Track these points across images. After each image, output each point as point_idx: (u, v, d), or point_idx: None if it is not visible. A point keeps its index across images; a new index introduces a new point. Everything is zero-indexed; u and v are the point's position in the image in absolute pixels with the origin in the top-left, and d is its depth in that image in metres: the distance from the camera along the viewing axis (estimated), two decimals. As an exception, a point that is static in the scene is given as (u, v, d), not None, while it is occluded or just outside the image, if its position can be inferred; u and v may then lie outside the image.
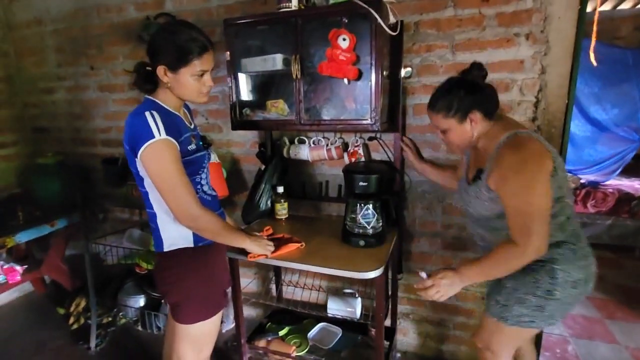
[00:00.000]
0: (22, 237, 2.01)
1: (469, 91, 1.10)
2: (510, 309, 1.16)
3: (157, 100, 1.13)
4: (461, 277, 1.13)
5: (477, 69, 1.12)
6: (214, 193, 1.30)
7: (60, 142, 2.58)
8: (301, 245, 1.46)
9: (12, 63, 2.55)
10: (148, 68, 1.13)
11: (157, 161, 1.04)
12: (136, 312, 2.18)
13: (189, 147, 1.14)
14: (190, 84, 1.11)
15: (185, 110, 1.26)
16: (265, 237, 1.45)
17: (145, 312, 2.10)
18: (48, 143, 2.62)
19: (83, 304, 2.25)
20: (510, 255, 1.05)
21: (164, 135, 1.03)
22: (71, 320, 2.22)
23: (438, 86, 1.18)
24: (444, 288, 1.14)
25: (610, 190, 3.27)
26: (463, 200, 1.28)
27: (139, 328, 2.16)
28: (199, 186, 1.20)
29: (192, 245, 1.19)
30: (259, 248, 1.34)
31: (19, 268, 2.28)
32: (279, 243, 1.45)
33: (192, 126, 1.25)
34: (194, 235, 1.18)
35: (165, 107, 1.13)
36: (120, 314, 2.22)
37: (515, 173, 1.01)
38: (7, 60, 2.53)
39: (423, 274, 1.18)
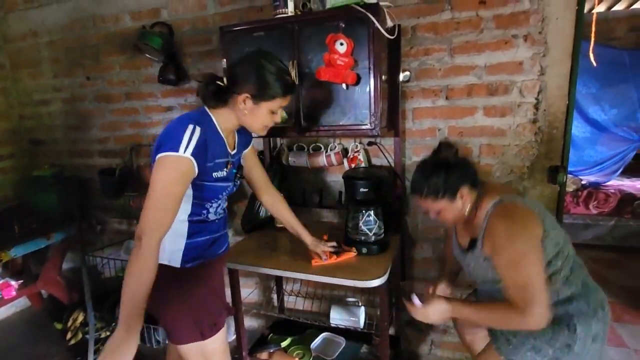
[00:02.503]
0: (18, 251, 1.98)
1: (449, 171, 1.11)
2: (522, 353, 1.13)
3: (212, 116, 1.09)
4: (452, 311, 1.14)
5: (447, 147, 1.19)
6: (220, 216, 1.22)
7: (56, 154, 2.56)
8: (354, 254, 1.45)
9: (8, 75, 2.53)
10: (219, 83, 1.09)
11: (162, 173, 0.98)
12: (135, 325, 2.13)
13: (215, 175, 1.09)
14: (263, 117, 1.11)
15: (236, 134, 1.21)
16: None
17: (145, 325, 2.06)
18: (44, 155, 2.60)
19: (81, 318, 2.20)
20: (510, 318, 1.03)
21: (187, 155, 0.98)
22: (69, 335, 2.17)
23: (416, 170, 1.18)
24: (432, 315, 1.15)
25: (612, 190, 3.25)
26: (463, 266, 1.27)
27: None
28: (204, 210, 1.13)
29: (178, 265, 1.12)
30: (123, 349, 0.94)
31: (14, 283, 2.24)
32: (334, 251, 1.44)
33: (234, 152, 1.19)
34: (183, 255, 1.12)
35: (217, 126, 1.09)
36: (119, 327, 2.17)
37: (507, 245, 1.02)
38: (3, 73, 2.52)
39: (416, 300, 1.18)
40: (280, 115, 1.16)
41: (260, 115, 1.10)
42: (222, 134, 1.11)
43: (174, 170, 0.98)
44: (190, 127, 1.00)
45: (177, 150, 0.97)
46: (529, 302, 0.98)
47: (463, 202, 1.13)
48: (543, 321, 0.99)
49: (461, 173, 1.12)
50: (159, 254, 0.98)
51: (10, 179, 2.55)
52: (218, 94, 1.10)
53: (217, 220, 1.20)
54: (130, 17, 2.12)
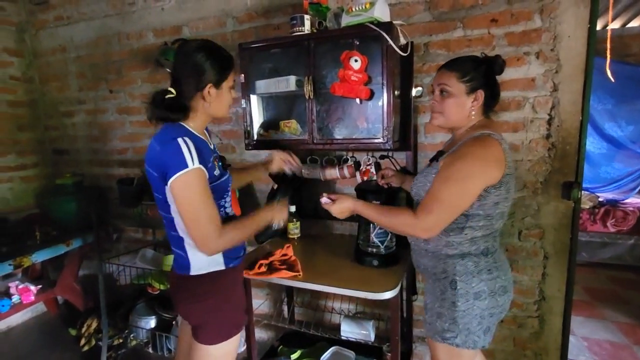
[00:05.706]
0: (39, 257, 2.05)
1: (486, 70, 1.11)
2: (435, 325, 1.16)
3: (187, 127, 1.12)
4: (354, 209, 1.22)
5: (502, 61, 1.15)
6: (232, 213, 1.28)
7: (78, 163, 2.66)
8: (298, 275, 1.42)
9: (36, 88, 2.67)
10: (169, 96, 1.11)
11: (186, 191, 1.02)
12: (147, 333, 2.16)
13: (215, 173, 1.13)
14: (227, 98, 1.16)
15: (205, 131, 1.26)
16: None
17: (157, 333, 2.08)
18: (67, 164, 2.70)
19: (94, 325, 2.24)
20: (403, 220, 1.08)
21: (197, 164, 1.02)
22: (82, 341, 2.20)
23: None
24: (335, 209, 1.25)
25: (631, 208, 3.17)
26: (413, 187, 1.24)
27: (150, 350, 2.13)
28: (222, 209, 1.19)
29: (223, 267, 1.18)
30: (281, 215, 1.29)
31: (33, 288, 2.30)
32: (280, 265, 1.45)
33: (213, 147, 1.23)
34: (225, 258, 1.17)
35: (194, 132, 1.12)
36: (132, 335, 2.20)
37: (458, 161, 1.05)
38: (32, 86, 2.65)
39: (324, 199, 1.29)
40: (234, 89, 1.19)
41: (225, 97, 1.14)
42: (201, 136, 1.15)
43: (195, 182, 1.03)
44: (181, 142, 1.02)
45: (187, 166, 1.01)
46: (428, 211, 1.03)
47: (470, 106, 1.11)
48: (429, 231, 1.05)
49: (490, 83, 1.12)
50: (202, 265, 1.14)
51: (34, 187, 2.65)
52: (176, 104, 1.10)
53: (233, 215, 1.25)
54: (153, 34, 2.22)
